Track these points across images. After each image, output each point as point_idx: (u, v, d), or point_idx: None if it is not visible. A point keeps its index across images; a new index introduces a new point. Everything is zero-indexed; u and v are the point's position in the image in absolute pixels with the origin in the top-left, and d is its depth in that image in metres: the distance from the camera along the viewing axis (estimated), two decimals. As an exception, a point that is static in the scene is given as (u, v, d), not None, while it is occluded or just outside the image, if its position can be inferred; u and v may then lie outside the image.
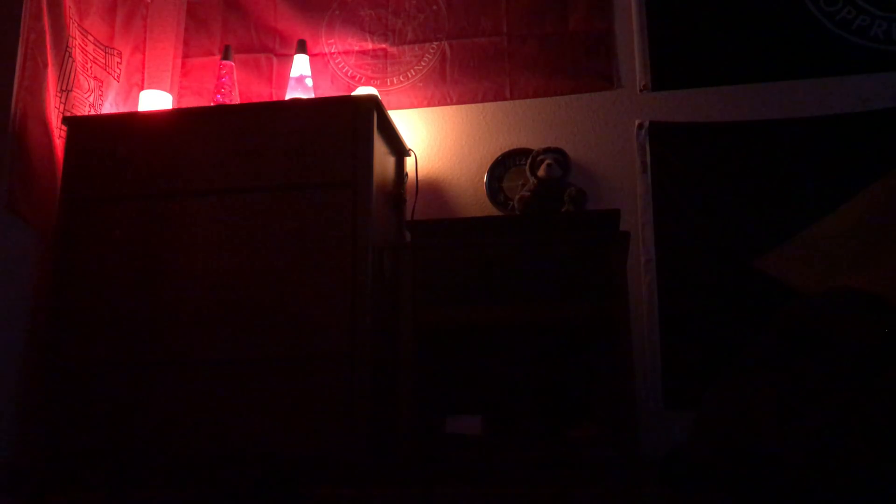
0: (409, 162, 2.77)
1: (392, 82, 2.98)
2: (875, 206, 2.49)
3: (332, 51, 3.05)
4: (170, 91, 3.05)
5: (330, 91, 2.98)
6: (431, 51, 2.98)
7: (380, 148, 2.42)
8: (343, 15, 3.07)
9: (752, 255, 2.55)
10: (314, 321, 2.19)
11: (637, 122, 2.76)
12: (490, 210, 2.78)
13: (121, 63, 2.96)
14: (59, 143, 2.52)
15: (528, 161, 2.60)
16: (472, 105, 2.90)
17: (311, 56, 2.96)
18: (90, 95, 2.75)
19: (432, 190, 2.83)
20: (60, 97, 2.58)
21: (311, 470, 2.23)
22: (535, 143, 2.71)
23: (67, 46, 2.61)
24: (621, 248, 2.23)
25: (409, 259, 2.28)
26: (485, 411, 2.30)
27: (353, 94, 2.65)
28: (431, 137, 2.90)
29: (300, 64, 2.83)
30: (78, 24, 2.71)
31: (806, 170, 2.60)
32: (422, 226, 2.45)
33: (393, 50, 3.01)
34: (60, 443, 2.23)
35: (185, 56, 3.16)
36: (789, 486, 1.38)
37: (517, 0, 2.95)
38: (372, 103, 2.37)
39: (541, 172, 2.53)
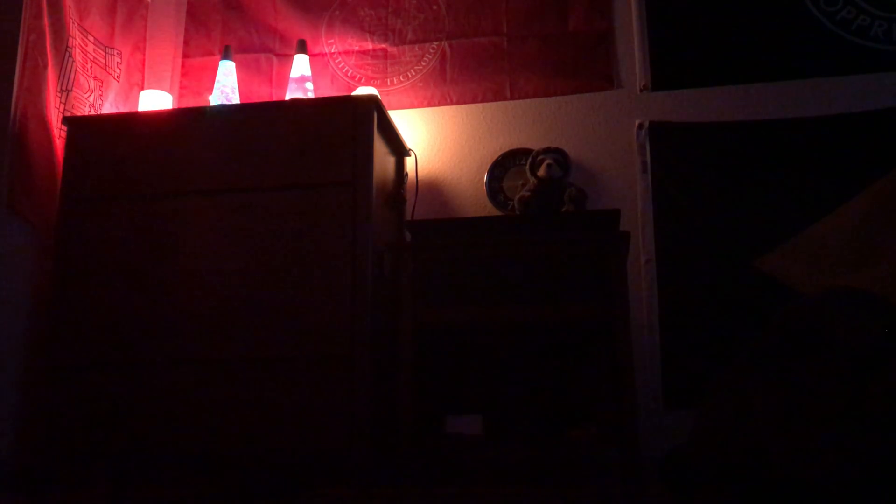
0: (409, 162, 2.77)
1: (392, 82, 2.98)
2: (875, 206, 2.49)
3: (332, 51, 3.05)
4: (170, 91, 3.05)
5: (330, 91, 2.98)
6: (431, 51, 2.98)
7: (380, 148, 2.42)
8: (343, 15, 3.07)
9: (752, 255, 2.55)
10: (314, 321, 2.19)
11: (637, 122, 2.76)
12: (490, 210, 2.78)
13: (121, 63, 2.96)
14: (59, 143, 2.52)
15: (528, 161, 2.60)
16: (472, 105, 2.90)
17: (311, 56, 2.96)
18: (90, 95, 2.75)
19: (432, 190, 2.83)
20: (60, 97, 2.58)
21: (311, 470, 2.23)
22: (535, 143, 2.71)
23: (67, 46, 2.61)
24: (621, 248, 2.23)
25: (409, 259, 2.28)
26: (485, 411, 2.30)
27: (353, 94, 2.65)
28: (431, 137, 2.90)
29: (300, 64, 2.83)
30: (78, 24, 2.71)
31: (806, 169, 2.61)
32: (422, 226, 2.45)
33: (393, 50, 3.01)
34: (60, 443, 2.23)
35: (185, 56, 3.16)
36: (789, 487, 1.38)
37: (517, 0, 2.95)
38: (372, 103, 2.37)
39: (541, 172, 2.53)
